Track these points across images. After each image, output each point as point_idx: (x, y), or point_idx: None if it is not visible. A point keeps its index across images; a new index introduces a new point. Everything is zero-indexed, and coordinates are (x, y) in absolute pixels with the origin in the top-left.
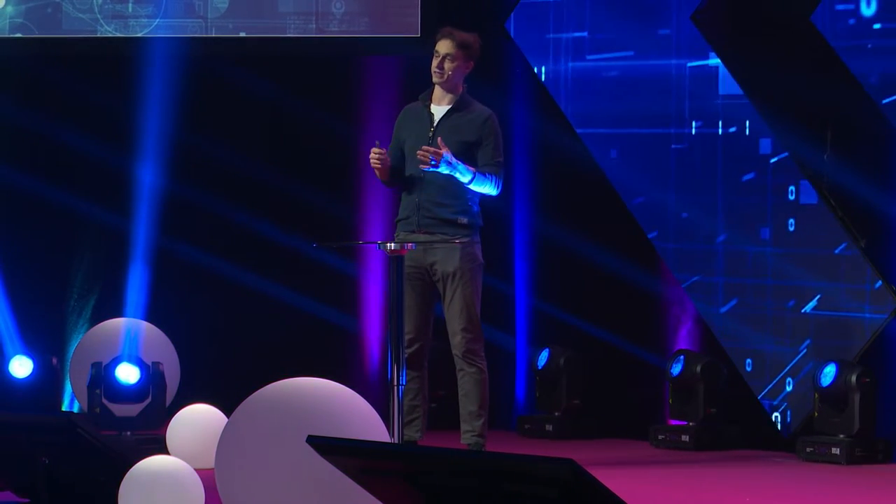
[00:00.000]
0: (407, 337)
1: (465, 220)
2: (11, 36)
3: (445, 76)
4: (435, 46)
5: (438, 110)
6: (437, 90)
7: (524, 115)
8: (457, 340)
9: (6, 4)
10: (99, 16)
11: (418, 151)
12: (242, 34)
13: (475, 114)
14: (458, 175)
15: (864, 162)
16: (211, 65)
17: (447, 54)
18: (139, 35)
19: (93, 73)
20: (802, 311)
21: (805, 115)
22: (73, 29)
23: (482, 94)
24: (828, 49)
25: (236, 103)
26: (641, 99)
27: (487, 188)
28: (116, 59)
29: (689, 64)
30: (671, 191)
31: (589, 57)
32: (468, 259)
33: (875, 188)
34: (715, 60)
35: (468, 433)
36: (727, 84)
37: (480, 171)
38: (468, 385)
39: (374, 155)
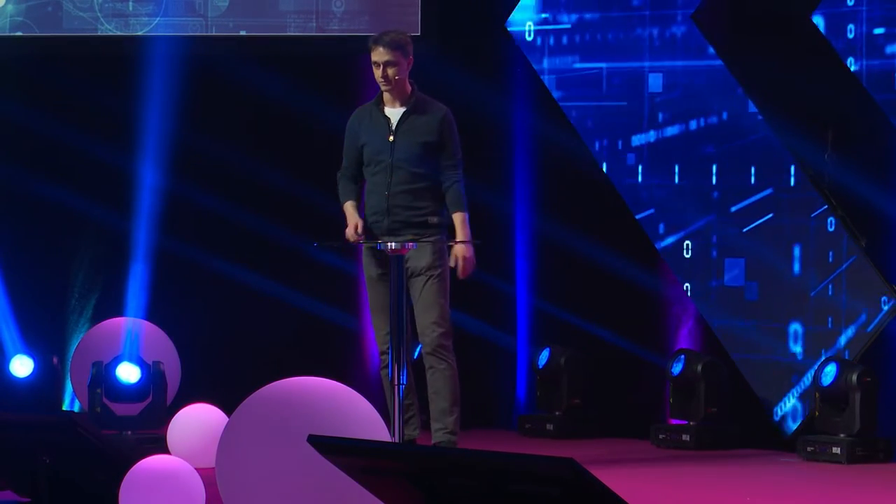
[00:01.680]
0: (385, 335)
1: (434, 220)
2: (12, 35)
3: (392, 82)
4: (371, 58)
5: (394, 113)
6: (387, 94)
7: (524, 114)
8: (427, 335)
9: (7, 3)
10: (99, 14)
11: (460, 276)
12: (243, 33)
13: (431, 114)
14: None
15: (865, 162)
16: (211, 63)
17: (386, 62)
18: (139, 34)
19: (93, 71)
20: (803, 309)
21: (805, 115)
22: (74, 27)
23: (482, 93)
24: (828, 48)
25: (236, 102)
26: (641, 98)
27: (465, 197)
28: (117, 58)
29: (691, 63)
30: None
31: (589, 56)
32: (439, 256)
33: (875, 188)
34: (717, 61)
35: (440, 430)
36: (731, 83)
37: (458, 201)
38: (438, 382)
39: (354, 238)
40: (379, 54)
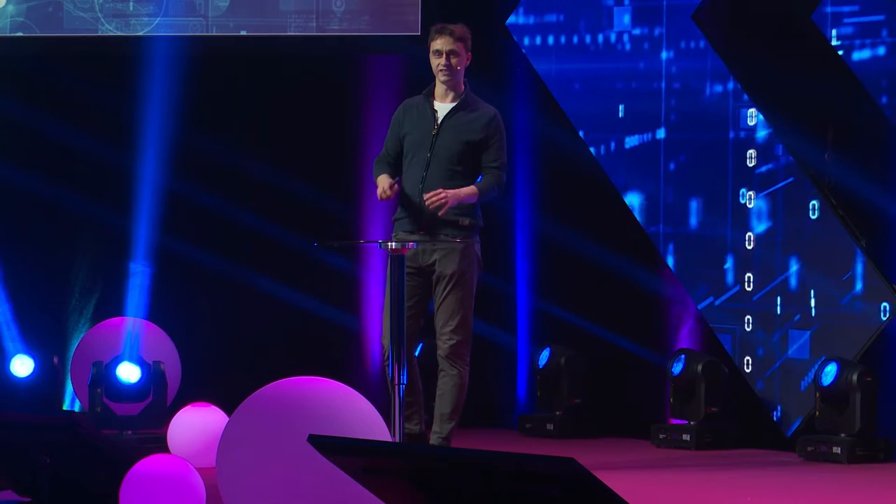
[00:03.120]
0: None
1: (466, 222)
2: (13, 35)
3: (453, 73)
4: (432, 45)
5: (442, 107)
6: (440, 87)
7: (525, 114)
8: (444, 341)
9: (7, 3)
10: (100, 14)
11: (427, 202)
12: (243, 33)
13: (479, 112)
14: (467, 201)
15: (865, 161)
16: (211, 63)
17: (450, 51)
18: (140, 34)
19: (94, 71)
20: (803, 309)
21: (805, 115)
22: (75, 28)
23: (483, 93)
24: (828, 48)
25: (237, 102)
26: (642, 97)
27: (492, 195)
28: (117, 58)
29: (690, 63)
30: (670, 189)
31: (589, 55)
32: (467, 261)
33: (875, 188)
34: (717, 61)
35: (435, 434)
36: (727, 82)
37: (484, 186)
38: (446, 387)
39: (387, 193)
40: (443, 43)
